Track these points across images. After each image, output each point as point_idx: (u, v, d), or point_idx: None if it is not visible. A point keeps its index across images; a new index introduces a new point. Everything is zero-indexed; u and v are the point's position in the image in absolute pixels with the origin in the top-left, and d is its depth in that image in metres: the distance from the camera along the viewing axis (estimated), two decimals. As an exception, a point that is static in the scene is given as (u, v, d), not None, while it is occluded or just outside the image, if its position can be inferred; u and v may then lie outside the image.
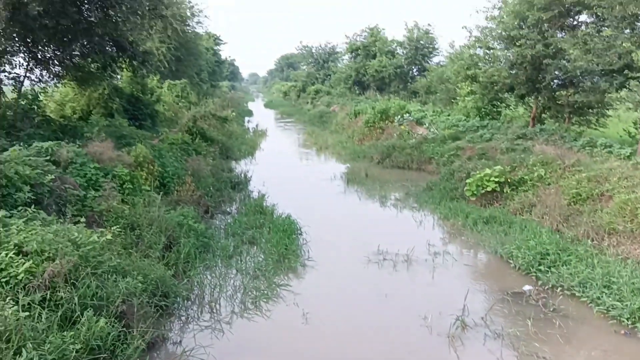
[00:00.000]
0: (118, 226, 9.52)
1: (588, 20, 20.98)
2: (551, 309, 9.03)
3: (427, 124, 28.06)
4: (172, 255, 10.27)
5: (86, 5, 15.17)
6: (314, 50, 78.79)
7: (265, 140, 34.14)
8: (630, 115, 21.41)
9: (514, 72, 22.83)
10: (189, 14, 40.85)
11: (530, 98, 24.67)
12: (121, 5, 14.41)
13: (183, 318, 8.66)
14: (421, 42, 49.58)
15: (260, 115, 57.32)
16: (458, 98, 31.32)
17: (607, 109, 22.14)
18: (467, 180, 15.99)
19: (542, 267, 10.48)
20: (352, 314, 9.13)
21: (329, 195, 18.30)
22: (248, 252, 11.62)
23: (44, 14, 12.28)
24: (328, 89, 61.72)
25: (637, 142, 17.81)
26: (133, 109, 22.79)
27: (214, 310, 8.92)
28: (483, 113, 28.10)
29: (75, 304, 6.75)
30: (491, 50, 24.71)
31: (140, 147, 14.26)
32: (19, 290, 6.45)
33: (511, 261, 11.19)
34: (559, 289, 9.69)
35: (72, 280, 7.00)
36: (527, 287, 9.92)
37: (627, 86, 16.75)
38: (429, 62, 49.36)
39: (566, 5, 20.67)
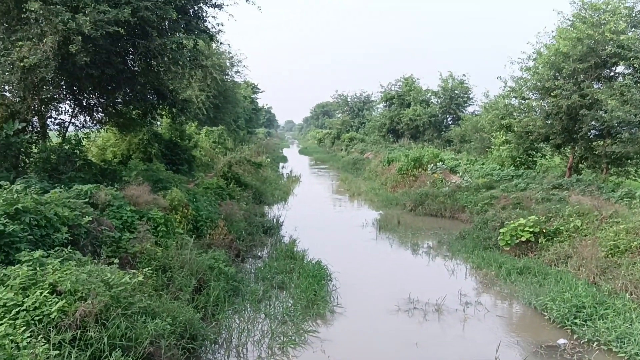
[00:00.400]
0: (150, 268, 9.68)
1: (625, 72, 20.83)
2: (587, 365, 8.73)
3: (460, 173, 27.95)
4: (201, 298, 10.36)
5: (130, 56, 15.91)
6: (349, 99, 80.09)
7: (299, 186, 34.41)
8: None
9: (549, 122, 22.64)
10: (228, 64, 42.38)
11: (566, 148, 24.39)
12: (163, 56, 15.03)
13: (210, 362, 8.67)
14: (456, 91, 49.78)
15: (295, 161, 58.01)
16: (492, 147, 31.18)
17: (647, 160, 21.70)
18: (501, 230, 15.76)
19: (577, 321, 10.16)
20: (380, 363, 8.99)
21: (360, 242, 18.24)
22: (277, 297, 11.62)
23: (91, 64, 12.89)
24: (362, 136, 62.32)
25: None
26: (171, 154, 23.42)
27: (241, 355, 8.91)
28: (518, 162, 27.86)
29: (104, 344, 6.85)
30: (526, 100, 24.66)
31: (175, 191, 14.58)
32: (51, 329, 6.59)
33: (545, 313, 10.88)
34: (595, 343, 9.37)
35: (102, 320, 7.12)
36: (561, 341, 9.62)
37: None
38: (464, 111, 49.39)
39: (602, 57, 20.61)
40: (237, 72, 45.41)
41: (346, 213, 25.10)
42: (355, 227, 20.67)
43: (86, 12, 11.98)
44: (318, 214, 24.00)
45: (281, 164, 51.63)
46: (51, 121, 16.85)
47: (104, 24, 12.02)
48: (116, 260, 9.19)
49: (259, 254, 15.76)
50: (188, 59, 16.09)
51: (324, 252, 15.00)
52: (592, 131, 22.24)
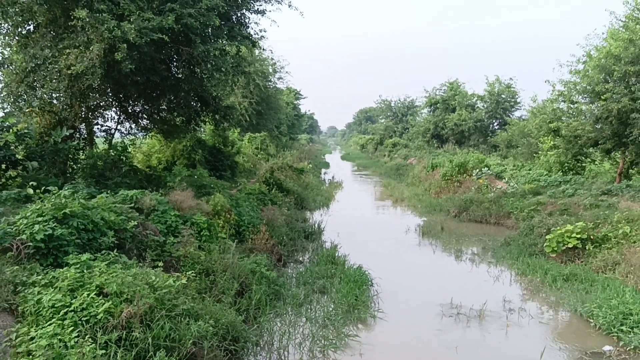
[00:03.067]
0: (193, 271, 9.86)
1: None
2: (637, 375, 8.41)
3: (506, 178, 27.41)
4: (243, 301, 10.46)
5: (175, 63, 16.25)
6: (392, 104, 79.58)
7: (341, 192, 34.36)
8: None
9: (599, 126, 21.92)
10: (271, 70, 42.76)
11: (616, 153, 23.58)
12: (207, 62, 15.27)
13: (251, 364, 8.73)
14: (502, 95, 48.81)
15: (337, 167, 58.03)
16: (540, 152, 30.47)
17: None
18: (547, 236, 15.37)
19: (624, 328, 9.83)
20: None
21: (402, 248, 18.09)
22: (318, 301, 11.63)
23: (136, 71, 13.19)
24: (406, 142, 61.84)
25: None
26: (214, 160, 23.76)
27: (282, 357, 8.97)
28: (566, 168, 27.13)
29: (148, 344, 6.99)
30: (575, 104, 23.98)
31: (218, 196, 14.78)
32: (98, 329, 6.77)
33: (591, 320, 10.58)
34: (644, 351, 9.04)
35: (147, 322, 7.25)
36: (607, 348, 9.35)
37: None
38: (510, 115, 48.33)
39: (655, 59, 19.85)
40: (279, 78, 45.78)
41: (388, 219, 24.93)
42: (398, 233, 20.50)
43: (131, 20, 12.29)
44: (360, 220, 23.90)
45: (323, 170, 51.71)
46: (98, 128, 17.38)
47: (149, 32, 12.30)
48: (161, 264, 9.36)
49: (301, 258, 15.81)
50: (231, 65, 16.31)
51: (366, 258, 14.92)
52: (643, 135, 21.43)
